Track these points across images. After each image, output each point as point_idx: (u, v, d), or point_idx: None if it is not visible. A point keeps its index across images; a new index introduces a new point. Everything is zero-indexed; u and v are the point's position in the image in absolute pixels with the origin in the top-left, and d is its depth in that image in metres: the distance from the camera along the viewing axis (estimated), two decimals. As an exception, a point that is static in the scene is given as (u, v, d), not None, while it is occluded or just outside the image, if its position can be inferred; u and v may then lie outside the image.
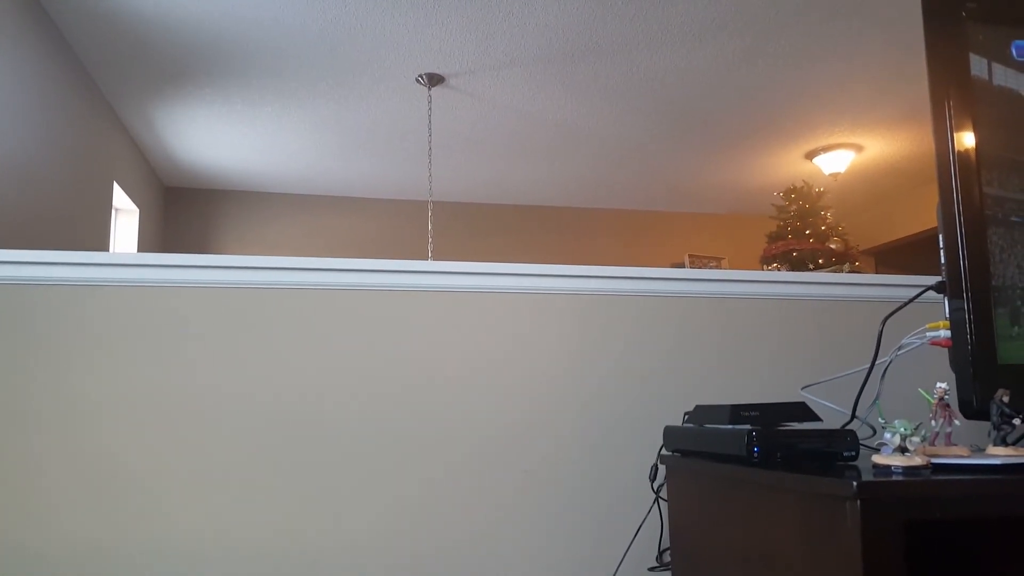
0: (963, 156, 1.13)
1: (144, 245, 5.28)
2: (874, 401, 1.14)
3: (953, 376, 1.09)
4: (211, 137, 4.93)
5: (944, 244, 1.12)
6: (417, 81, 4.11)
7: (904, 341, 1.17)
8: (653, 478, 1.33)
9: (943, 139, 1.14)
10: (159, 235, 5.80)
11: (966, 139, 1.14)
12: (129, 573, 1.31)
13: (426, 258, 5.79)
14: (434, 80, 4.10)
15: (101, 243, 4.36)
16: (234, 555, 1.33)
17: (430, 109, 4.30)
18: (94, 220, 4.22)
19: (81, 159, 3.97)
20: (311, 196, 6.22)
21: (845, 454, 0.99)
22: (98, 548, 1.30)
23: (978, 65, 1.19)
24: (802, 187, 5.21)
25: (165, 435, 1.35)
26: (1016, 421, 0.94)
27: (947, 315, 1.11)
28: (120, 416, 1.34)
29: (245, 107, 4.45)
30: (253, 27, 3.53)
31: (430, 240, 4.34)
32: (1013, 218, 1.14)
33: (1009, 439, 0.96)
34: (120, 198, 4.84)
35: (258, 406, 1.38)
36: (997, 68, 1.20)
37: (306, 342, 1.41)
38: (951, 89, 1.16)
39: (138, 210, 5.13)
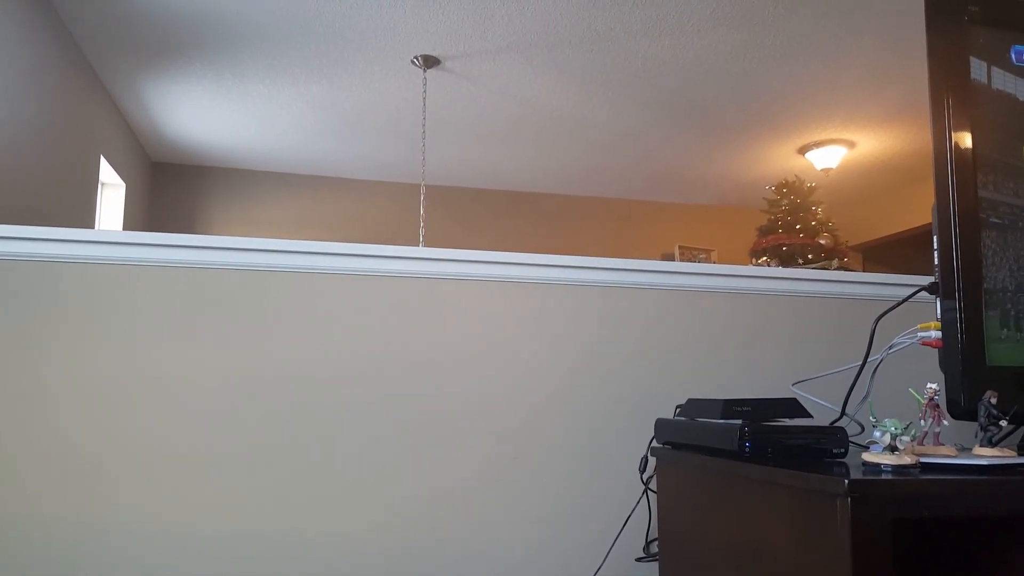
0: (960, 158, 1.14)
1: (130, 220, 5.23)
2: (864, 399, 1.16)
3: (942, 376, 1.11)
4: (200, 112, 4.87)
5: (938, 246, 1.13)
6: (412, 63, 4.08)
7: (895, 340, 1.18)
8: (643, 470, 1.34)
9: (941, 141, 1.15)
10: (146, 210, 5.74)
11: (964, 141, 1.15)
12: (100, 551, 1.30)
13: (417, 241, 5.77)
14: (429, 62, 4.06)
15: (87, 218, 4.32)
16: (199, 536, 1.33)
17: (425, 91, 4.27)
18: (80, 194, 4.17)
19: (68, 132, 3.92)
20: (301, 176, 6.17)
21: (835, 451, 1.00)
22: (67, 527, 1.30)
23: (978, 68, 1.19)
24: (794, 181, 5.23)
25: (136, 417, 1.34)
26: (1003, 422, 0.96)
27: (939, 316, 1.12)
28: (98, 397, 1.34)
29: (236, 83, 4.40)
30: (247, 1, 3.48)
31: (422, 224, 4.32)
32: (1006, 222, 1.15)
33: (995, 440, 0.97)
34: (107, 172, 4.78)
35: (241, 389, 1.38)
36: (996, 72, 1.21)
37: (290, 326, 1.41)
38: (951, 91, 1.16)
39: (124, 185, 5.07)
